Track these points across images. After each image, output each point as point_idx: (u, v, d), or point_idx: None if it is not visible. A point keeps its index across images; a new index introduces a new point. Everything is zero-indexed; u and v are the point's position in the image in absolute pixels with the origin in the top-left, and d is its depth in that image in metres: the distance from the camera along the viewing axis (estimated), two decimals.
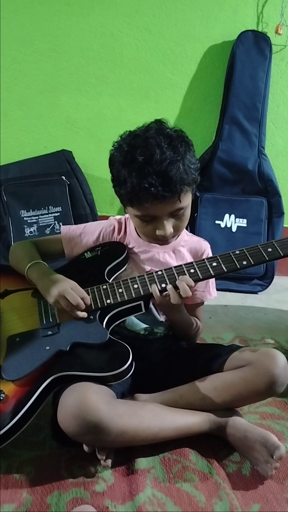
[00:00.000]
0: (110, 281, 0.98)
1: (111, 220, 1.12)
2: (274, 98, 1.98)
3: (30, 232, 1.87)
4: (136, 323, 1.06)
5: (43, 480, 0.80)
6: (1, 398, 0.79)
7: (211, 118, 2.00)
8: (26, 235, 1.87)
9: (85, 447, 0.82)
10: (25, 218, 1.87)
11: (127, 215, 1.11)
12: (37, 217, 1.88)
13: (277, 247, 0.90)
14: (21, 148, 1.94)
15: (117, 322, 0.96)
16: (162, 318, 1.08)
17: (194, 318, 1.10)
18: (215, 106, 1.98)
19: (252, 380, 0.87)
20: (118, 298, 0.93)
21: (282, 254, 0.90)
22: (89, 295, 0.93)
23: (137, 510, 0.74)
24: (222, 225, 1.98)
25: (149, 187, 0.87)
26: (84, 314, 0.91)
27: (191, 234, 1.13)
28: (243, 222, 1.98)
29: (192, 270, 0.92)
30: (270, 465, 0.81)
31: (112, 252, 1.05)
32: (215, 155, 1.96)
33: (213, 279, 1.06)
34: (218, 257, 0.93)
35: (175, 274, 0.92)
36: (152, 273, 0.95)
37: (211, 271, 0.91)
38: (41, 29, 1.84)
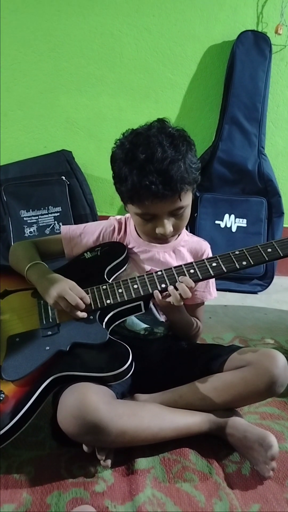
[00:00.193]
0: (110, 281, 0.98)
1: (111, 220, 1.12)
2: (274, 98, 1.98)
3: (30, 232, 1.87)
4: (136, 323, 1.06)
5: (43, 480, 0.80)
6: (1, 398, 0.79)
7: (211, 118, 2.00)
8: (26, 235, 1.87)
9: (85, 447, 0.82)
10: (25, 218, 1.87)
11: (127, 215, 1.11)
12: (37, 217, 1.88)
13: (277, 248, 0.90)
14: (21, 148, 1.94)
15: (117, 322, 0.96)
16: (162, 318, 1.08)
17: (194, 318, 1.10)
18: (215, 106, 1.98)
19: (252, 380, 0.87)
20: (118, 298, 0.93)
21: (281, 255, 0.90)
22: (88, 295, 0.94)
23: (137, 510, 0.74)
24: (222, 225, 1.98)
25: (149, 185, 0.87)
26: (83, 314, 0.91)
27: (191, 234, 1.13)
28: (243, 222, 1.98)
29: (192, 271, 0.92)
30: (267, 465, 0.81)
31: (112, 252, 1.05)
32: (215, 155, 1.96)
33: (213, 279, 1.06)
34: (217, 257, 0.93)
35: (175, 275, 0.92)
36: (152, 273, 0.95)
37: (211, 271, 0.91)
38: (41, 29, 1.84)
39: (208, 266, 0.92)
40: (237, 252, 0.92)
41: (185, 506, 0.76)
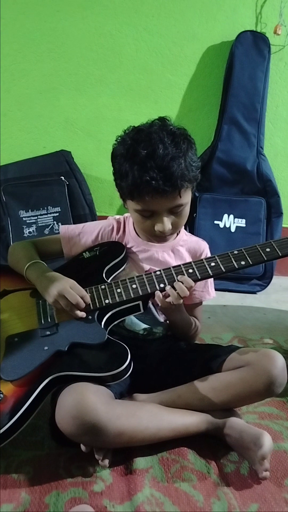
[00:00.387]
0: (108, 281, 0.98)
1: (110, 220, 1.12)
2: (272, 98, 1.98)
3: (29, 232, 1.87)
4: (135, 323, 1.06)
5: (41, 480, 0.80)
6: (0, 398, 0.79)
7: (210, 119, 2.01)
8: (25, 235, 1.86)
9: (83, 447, 0.82)
10: (24, 218, 1.87)
11: (126, 215, 1.11)
12: (36, 217, 1.88)
13: (276, 247, 0.90)
14: (20, 148, 1.94)
15: (115, 322, 0.96)
16: (161, 318, 1.08)
17: (193, 318, 1.10)
18: (214, 106, 1.98)
19: (251, 380, 0.87)
20: (117, 298, 0.93)
21: (280, 254, 0.90)
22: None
23: (135, 510, 0.74)
24: (221, 225, 1.99)
25: (150, 181, 0.88)
26: (83, 314, 0.91)
27: (190, 234, 1.13)
28: (242, 222, 1.98)
29: (190, 270, 0.92)
30: (261, 466, 0.81)
31: (111, 252, 1.05)
32: (214, 155, 1.96)
33: (212, 279, 1.06)
34: (216, 257, 0.93)
35: (174, 274, 0.93)
36: (151, 273, 0.95)
37: (210, 271, 0.92)
38: (40, 30, 1.84)
39: (206, 265, 0.92)
40: (235, 252, 0.92)
41: (183, 506, 0.76)
